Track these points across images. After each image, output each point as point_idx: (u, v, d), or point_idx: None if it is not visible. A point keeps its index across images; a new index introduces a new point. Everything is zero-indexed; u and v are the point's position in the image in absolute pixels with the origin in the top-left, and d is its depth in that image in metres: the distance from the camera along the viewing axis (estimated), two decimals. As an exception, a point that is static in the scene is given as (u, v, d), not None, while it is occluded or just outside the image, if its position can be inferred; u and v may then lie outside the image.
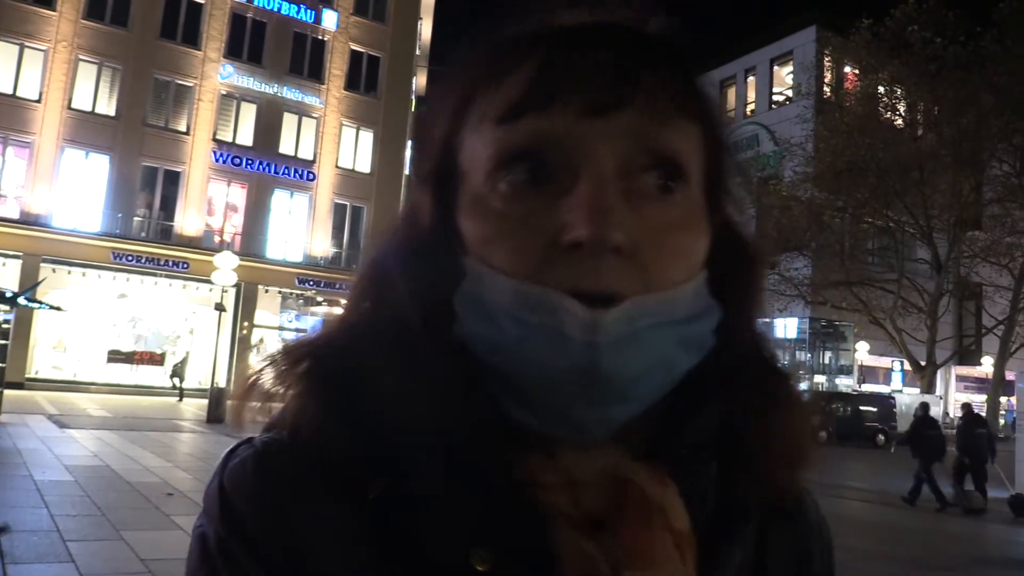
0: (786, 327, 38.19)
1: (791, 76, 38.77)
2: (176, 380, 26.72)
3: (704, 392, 0.57)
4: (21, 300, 17.53)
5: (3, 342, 16.48)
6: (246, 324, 29.44)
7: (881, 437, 30.12)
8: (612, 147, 0.52)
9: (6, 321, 16.90)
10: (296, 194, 31.09)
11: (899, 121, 32.92)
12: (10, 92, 26.49)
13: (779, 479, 0.61)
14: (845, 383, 38.55)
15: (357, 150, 32.27)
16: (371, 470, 0.53)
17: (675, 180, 0.54)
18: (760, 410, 0.60)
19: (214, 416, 19.21)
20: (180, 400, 25.77)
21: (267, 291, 30.08)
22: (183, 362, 27.19)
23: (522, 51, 0.55)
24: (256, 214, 30.26)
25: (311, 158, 31.44)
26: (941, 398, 37.77)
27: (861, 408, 30.80)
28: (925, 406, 15.83)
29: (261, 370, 0.61)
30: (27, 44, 26.77)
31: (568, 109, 0.52)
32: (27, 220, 26.07)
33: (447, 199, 0.58)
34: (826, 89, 36.37)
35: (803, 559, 0.65)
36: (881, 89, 32.62)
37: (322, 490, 0.53)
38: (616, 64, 0.53)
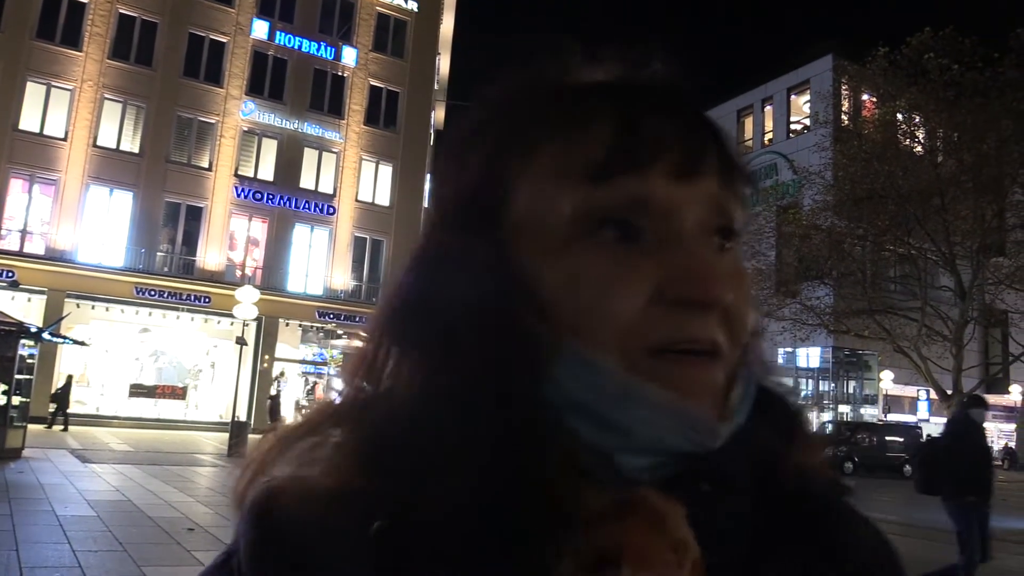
0: (809, 356, 37.82)
1: (808, 105, 38.72)
2: (53, 407, 23.85)
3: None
4: (46, 335, 17.70)
5: (28, 377, 16.64)
6: (267, 358, 29.57)
7: (908, 468, 29.62)
8: (694, 211, 0.54)
9: (31, 356, 17.07)
10: (316, 228, 31.36)
11: (918, 148, 32.74)
12: (37, 131, 27.05)
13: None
14: (870, 413, 38.00)
15: (377, 184, 32.56)
16: (380, 508, 0.50)
17: (732, 240, 0.57)
18: (786, 438, 0.59)
19: (235, 450, 19.22)
20: (49, 427, 23.11)
21: (288, 325, 30.24)
22: (66, 387, 24.46)
23: (591, 103, 0.56)
24: (277, 248, 30.53)
25: (331, 192, 31.74)
26: (969, 427, 37.07)
27: (887, 438, 30.34)
28: None
29: (280, 441, 0.59)
30: (54, 84, 27.36)
31: (662, 172, 0.53)
32: (52, 256, 26.48)
33: (501, 244, 0.55)
34: (843, 117, 36.30)
35: None
36: (899, 116, 32.53)
37: (329, 528, 0.52)
38: (694, 129, 0.56)
